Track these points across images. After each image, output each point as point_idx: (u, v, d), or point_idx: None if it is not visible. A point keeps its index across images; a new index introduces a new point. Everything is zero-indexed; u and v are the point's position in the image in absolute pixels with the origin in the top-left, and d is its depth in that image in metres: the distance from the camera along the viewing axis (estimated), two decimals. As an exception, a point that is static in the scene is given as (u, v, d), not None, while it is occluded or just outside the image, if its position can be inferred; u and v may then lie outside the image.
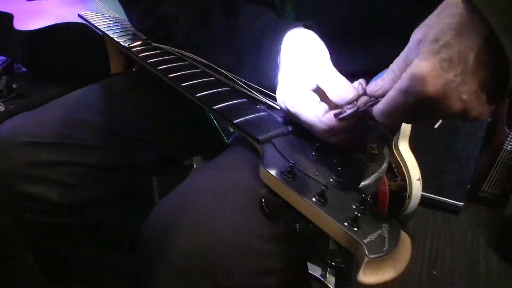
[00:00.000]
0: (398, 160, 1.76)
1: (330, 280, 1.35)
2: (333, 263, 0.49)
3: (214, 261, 0.51)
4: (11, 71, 1.25)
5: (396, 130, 0.55)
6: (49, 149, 0.80)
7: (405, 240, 0.51)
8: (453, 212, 2.02)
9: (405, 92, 0.46)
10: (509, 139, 1.94)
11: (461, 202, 1.98)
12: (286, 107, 0.61)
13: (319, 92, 0.60)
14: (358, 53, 0.63)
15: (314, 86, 0.61)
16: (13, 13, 1.10)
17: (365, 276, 0.45)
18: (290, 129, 0.64)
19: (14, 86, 1.07)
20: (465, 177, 1.94)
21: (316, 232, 0.51)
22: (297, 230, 0.51)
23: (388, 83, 0.50)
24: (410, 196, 1.79)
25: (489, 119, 1.86)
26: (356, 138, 0.58)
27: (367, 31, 0.74)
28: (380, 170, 0.61)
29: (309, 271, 1.38)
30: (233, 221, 0.54)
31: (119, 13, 1.03)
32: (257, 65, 0.66)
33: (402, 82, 0.46)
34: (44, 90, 1.11)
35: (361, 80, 0.58)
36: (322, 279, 1.36)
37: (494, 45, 0.43)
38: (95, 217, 0.89)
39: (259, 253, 0.53)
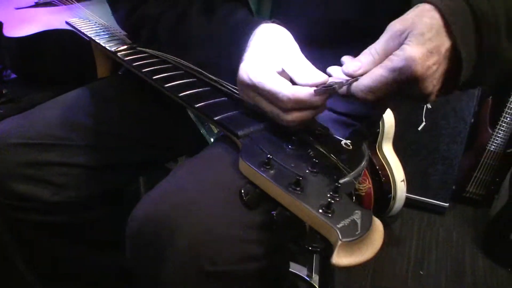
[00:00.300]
0: (382, 162, 1.80)
1: (316, 280, 1.37)
2: (309, 248, 0.51)
3: (197, 248, 0.54)
4: (0, 78, 1.27)
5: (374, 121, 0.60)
6: (40, 149, 0.82)
7: (377, 225, 0.53)
8: (439, 213, 2.05)
9: (398, 71, 0.54)
10: (492, 140, 1.97)
11: (446, 203, 2.02)
12: (249, 78, 0.62)
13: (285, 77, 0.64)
14: (328, 56, 0.66)
15: (279, 70, 0.64)
16: (2, 21, 1.12)
17: (339, 258, 0.48)
18: (268, 124, 0.66)
19: (4, 91, 1.09)
20: (450, 178, 1.97)
21: (293, 219, 0.53)
22: (275, 217, 0.54)
23: (368, 65, 0.58)
24: (394, 197, 1.84)
25: (472, 120, 1.89)
26: (310, 119, 0.63)
27: (338, 35, 0.78)
28: (358, 168, 0.63)
29: (295, 271, 1.40)
30: (214, 210, 0.56)
31: (105, 20, 1.05)
32: (231, 60, 0.69)
33: (396, 62, 0.54)
34: (34, 95, 1.13)
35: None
36: (307, 279, 1.38)
37: (455, 49, 0.56)
38: (86, 216, 0.91)
39: (240, 240, 0.56)
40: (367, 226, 0.51)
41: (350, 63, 0.59)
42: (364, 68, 0.58)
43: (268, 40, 0.67)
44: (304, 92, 0.59)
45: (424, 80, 0.55)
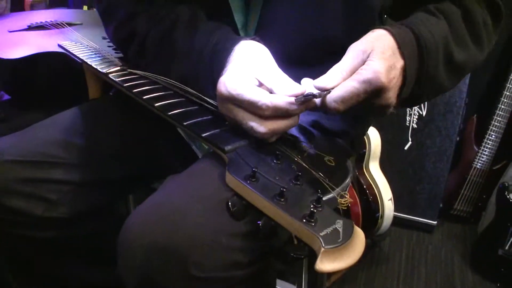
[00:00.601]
0: (369, 181, 1.83)
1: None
2: (294, 255, 0.54)
3: (185, 254, 0.56)
4: (-7, 99, 1.29)
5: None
6: (31, 166, 0.84)
7: (359, 234, 0.56)
8: (427, 230, 2.07)
9: (368, 82, 0.62)
10: (478, 157, 2.01)
11: (434, 220, 2.04)
12: (227, 90, 0.65)
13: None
14: (310, 71, 0.70)
15: (257, 83, 0.68)
16: (-5, 44, 1.14)
17: (322, 264, 0.50)
18: (253, 140, 0.69)
19: (-1, 112, 1.11)
20: (437, 196, 2.00)
21: (278, 229, 0.56)
22: (260, 227, 0.56)
23: (337, 80, 0.65)
24: (382, 216, 1.86)
25: (458, 138, 1.93)
26: (283, 131, 0.68)
27: (320, 52, 0.85)
28: (343, 185, 0.66)
29: (284, 289, 1.41)
30: (202, 220, 0.58)
31: (96, 43, 1.08)
32: (212, 73, 0.72)
33: (366, 74, 0.62)
34: (25, 115, 1.15)
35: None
36: (297, 296, 1.39)
37: (405, 69, 0.67)
38: (76, 232, 0.92)
39: (226, 248, 0.58)
40: (348, 234, 0.54)
41: (322, 78, 0.65)
42: (333, 83, 0.64)
43: (247, 56, 0.70)
44: (282, 100, 0.63)
45: (389, 91, 0.64)
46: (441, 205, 2.03)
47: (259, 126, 0.65)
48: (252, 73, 0.68)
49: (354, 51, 0.66)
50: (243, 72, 0.67)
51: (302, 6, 0.82)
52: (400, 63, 0.66)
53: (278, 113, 0.64)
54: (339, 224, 0.55)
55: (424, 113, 1.91)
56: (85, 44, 1.06)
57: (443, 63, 0.73)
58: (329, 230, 0.53)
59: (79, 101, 0.99)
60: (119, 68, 0.91)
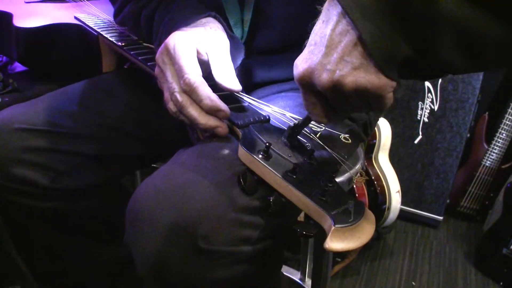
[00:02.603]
0: (377, 172, 1.82)
1: (309, 284, 1.38)
2: (303, 232, 0.53)
3: (194, 226, 0.55)
4: (5, 71, 1.29)
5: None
6: (41, 136, 0.84)
7: (370, 216, 0.55)
8: (433, 226, 2.06)
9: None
10: (487, 155, 1.99)
11: (440, 216, 2.03)
12: (174, 47, 0.68)
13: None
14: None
15: (204, 57, 0.72)
16: (12, 13, 1.14)
17: (332, 243, 0.50)
18: (267, 117, 0.69)
19: (10, 81, 1.11)
20: (444, 192, 1.99)
21: (288, 205, 0.56)
22: (271, 203, 0.56)
23: None
24: (389, 208, 1.85)
25: (468, 135, 1.92)
26: (189, 114, 0.67)
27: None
28: (352, 171, 0.65)
29: (288, 275, 1.41)
30: (212, 193, 0.58)
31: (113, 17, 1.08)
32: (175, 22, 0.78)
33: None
34: (39, 86, 1.15)
35: None
36: (300, 282, 1.40)
37: (347, 19, 0.48)
38: (82, 205, 0.92)
39: (236, 223, 0.58)
40: (360, 215, 0.53)
41: None
42: None
43: (212, 33, 0.74)
44: (206, 91, 0.66)
45: (312, 73, 0.52)
46: (448, 201, 2.02)
47: (176, 94, 0.67)
48: (203, 45, 0.71)
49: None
50: (195, 41, 0.71)
51: (297, 4, 0.81)
52: (332, 21, 0.50)
53: (193, 95, 0.66)
54: (350, 205, 0.54)
55: (436, 108, 1.90)
56: (101, 18, 1.06)
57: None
58: (340, 209, 0.53)
59: (93, 75, 0.99)
60: (134, 41, 0.90)
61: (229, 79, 0.70)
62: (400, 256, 1.90)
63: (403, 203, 1.93)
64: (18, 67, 1.34)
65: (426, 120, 1.92)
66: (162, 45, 0.70)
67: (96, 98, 0.92)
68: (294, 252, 1.67)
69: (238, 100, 0.73)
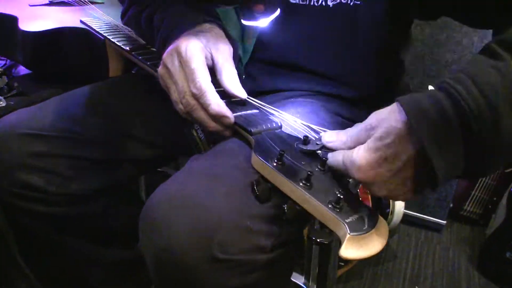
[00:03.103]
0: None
1: (313, 288, 1.37)
2: (318, 240, 0.53)
3: (209, 235, 0.55)
4: (10, 75, 1.28)
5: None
6: (47, 141, 0.83)
7: (383, 224, 0.55)
8: (436, 230, 2.05)
9: (346, 167, 0.55)
10: (490, 160, 1.98)
11: (444, 220, 2.02)
12: (186, 50, 0.70)
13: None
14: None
15: (210, 62, 0.73)
16: (18, 16, 1.13)
17: (346, 251, 0.50)
18: (280, 124, 0.68)
19: (15, 84, 1.10)
20: (447, 196, 1.98)
21: (303, 213, 0.55)
22: (285, 211, 0.55)
23: (339, 143, 0.59)
24: (392, 212, 1.83)
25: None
26: (202, 118, 0.70)
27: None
28: None
29: (293, 279, 1.40)
30: (227, 201, 0.58)
31: (119, 21, 1.07)
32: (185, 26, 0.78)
33: (345, 159, 0.56)
34: (45, 90, 1.15)
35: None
36: (305, 287, 1.39)
37: (425, 155, 0.51)
38: (87, 210, 0.92)
39: (251, 231, 0.57)
40: (373, 223, 0.53)
41: (330, 133, 0.62)
42: (334, 144, 0.60)
43: (215, 37, 0.75)
44: (215, 97, 0.68)
45: (372, 185, 0.55)
46: (451, 205, 2.01)
47: (188, 98, 0.69)
48: (211, 53, 0.73)
49: (367, 122, 0.56)
50: (204, 47, 0.72)
51: (297, 37, 0.84)
52: (409, 152, 0.52)
53: (201, 100, 0.67)
54: (364, 212, 0.54)
55: (439, 112, 1.89)
56: (107, 21, 1.05)
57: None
58: (354, 217, 0.53)
59: (99, 79, 0.99)
60: (142, 45, 0.90)
61: (236, 86, 0.72)
62: (403, 260, 1.89)
63: (406, 207, 1.92)
64: (22, 70, 1.33)
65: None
66: (172, 46, 0.71)
67: (105, 103, 0.92)
68: (298, 256, 1.67)
69: (250, 107, 0.73)
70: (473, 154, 0.51)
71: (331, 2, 0.78)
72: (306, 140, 0.63)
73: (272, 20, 0.80)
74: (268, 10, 0.77)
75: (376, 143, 0.53)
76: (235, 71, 0.73)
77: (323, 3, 0.78)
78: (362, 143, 0.55)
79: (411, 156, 0.52)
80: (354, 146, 0.56)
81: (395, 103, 0.53)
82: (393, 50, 0.90)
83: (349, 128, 0.59)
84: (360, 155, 0.53)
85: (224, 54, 0.74)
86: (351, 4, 0.77)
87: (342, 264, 1.76)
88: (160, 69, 0.73)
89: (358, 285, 1.73)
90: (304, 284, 1.40)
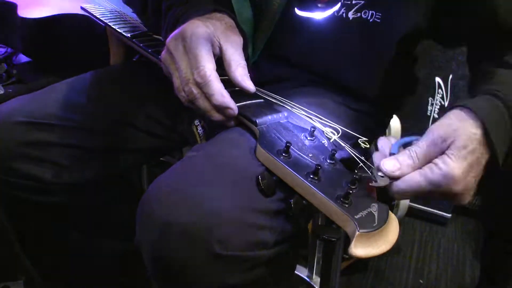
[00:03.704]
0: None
1: (317, 281, 1.36)
2: (324, 237, 0.51)
3: (209, 230, 0.52)
4: (10, 62, 1.26)
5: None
6: (45, 129, 0.82)
7: (393, 220, 0.53)
8: (441, 223, 2.04)
9: (436, 185, 0.54)
10: (497, 153, 1.96)
11: (449, 213, 2.01)
12: (191, 35, 0.67)
13: None
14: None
15: (216, 50, 0.70)
16: (16, 2, 1.12)
17: (356, 249, 0.48)
18: (286, 115, 0.66)
19: (14, 71, 1.09)
20: (453, 189, 1.96)
21: (309, 208, 0.53)
22: (292, 206, 0.53)
23: (407, 168, 0.56)
24: (398, 205, 1.82)
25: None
26: (204, 107, 0.67)
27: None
28: (371, 170, 0.62)
29: (296, 272, 1.39)
30: (229, 194, 0.55)
31: (121, 7, 1.05)
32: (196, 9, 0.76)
33: (436, 177, 0.53)
34: (44, 78, 1.13)
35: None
36: (308, 279, 1.38)
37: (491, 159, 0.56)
38: (86, 200, 0.90)
39: (253, 226, 0.55)
40: (384, 219, 0.51)
41: (388, 162, 0.57)
42: (402, 170, 0.56)
43: (225, 26, 0.73)
44: (219, 86, 0.65)
45: (462, 194, 0.55)
46: (456, 199, 1.99)
47: (190, 85, 0.66)
48: (219, 41, 0.70)
49: (434, 135, 0.56)
50: (212, 34, 0.69)
51: (312, 41, 0.82)
52: (486, 155, 0.56)
53: (204, 88, 0.65)
54: (374, 208, 0.52)
55: (446, 104, 1.87)
56: (108, 8, 1.03)
57: None
58: (364, 213, 0.51)
59: (100, 67, 0.97)
60: (143, 33, 0.88)
61: (246, 79, 0.69)
62: (408, 253, 1.88)
63: (411, 200, 1.91)
64: (23, 58, 1.32)
65: (436, 116, 1.88)
66: (177, 31, 0.68)
67: (105, 90, 0.90)
68: (302, 247, 1.66)
69: (255, 96, 0.70)
70: None
71: (352, 15, 0.77)
72: (313, 132, 0.61)
73: (289, 20, 0.79)
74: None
75: (461, 152, 0.54)
76: (245, 63, 0.70)
77: (344, 14, 0.76)
78: (432, 159, 0.55)
79: (488, 159, 0.56)
80: (424, 165, 0.55)
81: (462, 112, 0.57)
82: (408, 63, 0.92)
83: (406, 150, 0.57)
84: (453, 167, 0.53)
85: (234, 44, 0.71)
86: (371, 21, 0.76)
87: (346, 256, 1.74)
88: (163, 54, 0.71)
89: (362, 278, 1.72)
90: (308, 277, 1.39)
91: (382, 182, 0.56)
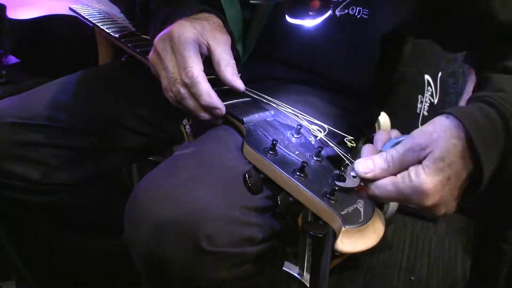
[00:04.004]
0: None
1: (307, 279, 1.37)
2: (311, 233, 0.51)
3: (196, 227, 0.53)
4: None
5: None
6: (34, 130, 0.82)
7: (379, 216, 0.54)
8: (432, 220, 2.05)
9: (406, 196, 0.52)
10: (487, 150, 1.97)
11: (440, 210, 2.02)
12: (178, 35, 0.67)
13: None
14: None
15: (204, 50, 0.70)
16: (5, 4, 1.11)
17: (342, 244, 0.49)
18: (272, 113, 0.66)
19: (3, 72, 1.09)
20: (444, 186, 1.97)
21: (296, 205, 0.53)
22: (278, 203, 0.54)
23: (380, 171, 0.54)
24: (388, 202, 1.82)
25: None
26: (191, 107, 0.68)
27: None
28: (344, 169, 0.63)
29: (287, 269, 1.40)
30: (216, 191, 0.56)
31: (108, 8, 1.05)
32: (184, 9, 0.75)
33: (406, 189, 0.51)
34: (33, 79, 1.13)
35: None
36: (299, 277, 1.38)
37: (478, 170, 0.52)
38: (75, 199, 0.90)
39: (240, 223, 0.56)
40: (369, 215, 0.52)
41: (363, 162, 0.55)
42: (374, 173, 0.54)
43: (213, 26, 0.73)
44: (206, 86, 0.65)
45: (436, 207, 0.53)
46: (447, 195, 2.00)
47: (178, 86, 0.66)
48: (207, 41, 0.70)
49: (412, 143, 0.53)
50: (200, 35, 0.69)
51: (301, 40, 0.81)
52: (468, 168, 0.53)
53: (192, 89, 0.65)
54: (360, 204, 0.53)
55: (436, 101, 1.88)
56: (97, 8, 1.03)
57: None
58: (350, 209, 0.51)
59: (89, 67, 0.97)
60: (131, 32, 0.88)
61: (235, 77, 0.69)
62: (399, 250, 1.88)
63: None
64: (13, 59, 1.31)
65: (425, 113, 1.90)
66: (165, 31, 0.69)
67: (93, 90, 0.90)
68: (292, 246, 1.66)
69: (241, 95, 0.71)
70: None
71: (339, 12, 0.77)
72: (299, 130, 0.61)
73: (278, 20, 0.78)
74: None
75: (437, 164, 0.51)
76: (234, 62, 0.71)
77: (330, 12, 0.76)
78: (408, 166, 0.53)
79: (471, 172, 0.53)
80: (399, 171, 0.53)
81: (446, 117, 0.54)
82: (396, 60, 0.91)
83: (383, 153, 0.55)
84: (424, 180, 0.50)
85: (222, 44, 0.71)
86: (358, 17, 0.77)
87: (337, 254, 1.75)
88: (151, 54, 0.71)
89: (353, 275, 1.72)
90: (298, 274, 1.39)
91: (350, 183, 0.55)
